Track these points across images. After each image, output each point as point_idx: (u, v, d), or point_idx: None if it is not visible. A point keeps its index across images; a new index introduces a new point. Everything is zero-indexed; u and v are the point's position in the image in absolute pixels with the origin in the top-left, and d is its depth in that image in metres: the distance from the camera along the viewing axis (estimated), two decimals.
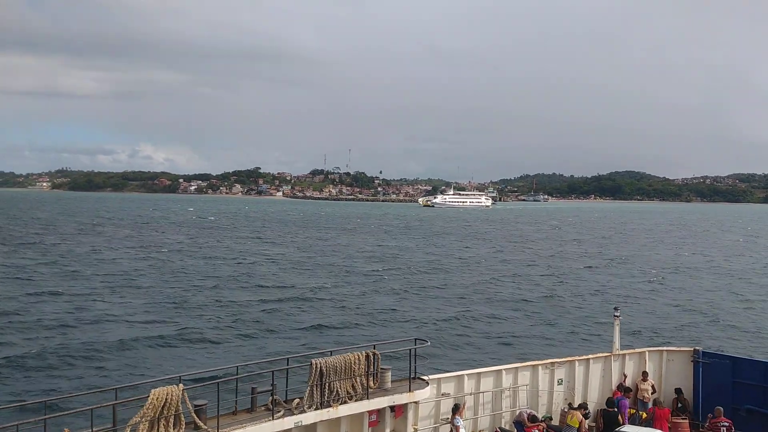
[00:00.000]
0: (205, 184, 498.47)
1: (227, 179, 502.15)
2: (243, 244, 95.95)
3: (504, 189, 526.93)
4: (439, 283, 59.32)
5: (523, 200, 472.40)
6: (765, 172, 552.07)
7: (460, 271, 68.50)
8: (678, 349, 21.84)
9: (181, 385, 12.42)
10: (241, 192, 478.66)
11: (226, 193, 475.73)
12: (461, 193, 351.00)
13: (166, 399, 12.08)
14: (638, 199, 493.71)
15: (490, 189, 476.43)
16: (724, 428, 17.29)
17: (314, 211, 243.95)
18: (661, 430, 17.93)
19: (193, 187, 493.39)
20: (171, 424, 12.14)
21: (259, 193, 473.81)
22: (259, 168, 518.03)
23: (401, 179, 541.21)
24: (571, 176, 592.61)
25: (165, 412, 12.04)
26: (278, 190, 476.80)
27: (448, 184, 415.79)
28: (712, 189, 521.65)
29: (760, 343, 37.99)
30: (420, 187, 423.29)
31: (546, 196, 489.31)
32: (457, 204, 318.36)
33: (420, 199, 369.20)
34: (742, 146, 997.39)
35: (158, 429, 11.93)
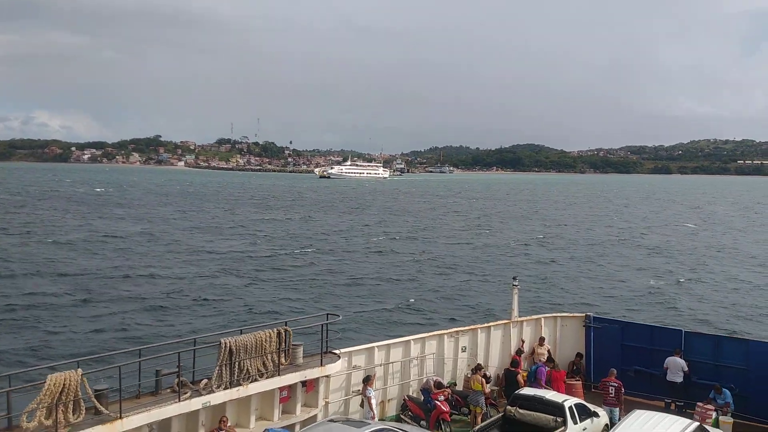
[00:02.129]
0: (100, 152, 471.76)
1: (125, 148, 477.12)
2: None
3: (413, 161, 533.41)
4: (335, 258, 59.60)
5: (430, 171, 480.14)
6: (655, 144, 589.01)
7: (346, 242, 69.18)
8: (571, 314, 23.11)
9: (79, 369, 11.95)
10: (140, 161, 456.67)
11: (123, 162, 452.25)
12: (358, 164, 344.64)
13: (63, 384, 11.62)
14: (536, 171, 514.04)
15: (398, 160, 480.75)
16: (613, 388, 18.48)
17: (200, 181, 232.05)
18: (557, 390, 19.03)
19: (86, 156, 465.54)
20: (70, 411, 11.69)
21: (159, 162, 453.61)
22: (160, 136, 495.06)
23: (314, 150, 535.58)
24: (477, 149, 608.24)
25: (63, 398, 11.58)
26: (180, 160, 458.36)
27: (360, 156, 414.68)
28: (605, 161, 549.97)
29: (647, 308, 41.00)
30: (332, 158, 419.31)
31: (451, 168, 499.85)
32: (353, 175, 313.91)
33: (316, 170, 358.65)
34: (635, 119, 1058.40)
35: (56, 416, 11.45)
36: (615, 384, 18.44)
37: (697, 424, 15.54)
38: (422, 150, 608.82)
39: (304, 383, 15.98)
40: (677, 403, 19.48)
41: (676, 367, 19.48)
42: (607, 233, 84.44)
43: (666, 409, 18.81)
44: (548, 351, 21.65)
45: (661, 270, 55.23)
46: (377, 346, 18.63)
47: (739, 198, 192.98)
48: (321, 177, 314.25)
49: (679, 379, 19.47)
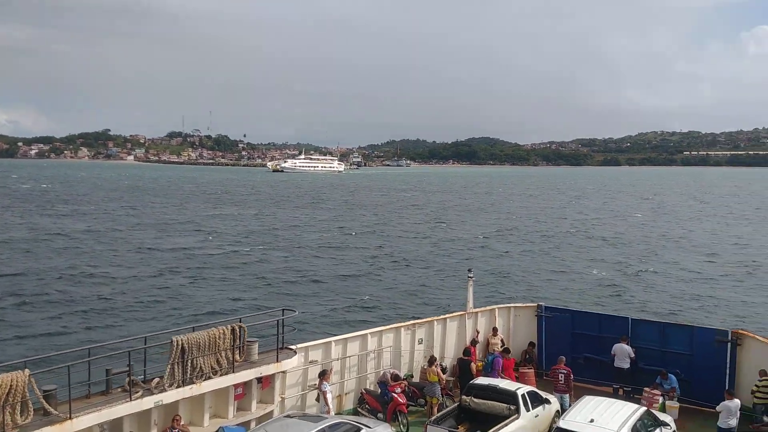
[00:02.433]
0: (48, 147, 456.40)
1: (73, 142, 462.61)
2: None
3: (370, 154, 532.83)
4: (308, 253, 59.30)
5: (387, 165, 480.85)
6: (605, 137, 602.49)
7: (306, 234, 69.03)
8: (524, 305, 23.58)
9: (26, 370, 11.69)
10: (88, 156, 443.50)
11: (71, 157, 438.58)
12: (312, 157, 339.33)
13: (10, 385, 11.37)
14: (491, 164, 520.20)
15: (355, 154, 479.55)
16: (562, 375, 18.93)
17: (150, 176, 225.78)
18: (509, 378, 19.41)
19: (33, 152, 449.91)
20: (18, 412, 11.43)
21: (108, 157, 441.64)
22: (109, 130, 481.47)
23: (269, 143, 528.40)
24: (433, 142, 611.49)
25: (10, 399, 11.33)
26: (130, 154, 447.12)
27: (317, 149, 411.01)
28: (557, 154, 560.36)
29: (596, 297, 42.11)
30: (288, 151, 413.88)
31: (408, 162, 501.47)
32: (307, 168, 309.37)
33: (269, 164, 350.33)
34: (586, 113, 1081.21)
35: (3, 417, 11.17)
36: (564, 371, 18.90)
37: (644, 408, 16.08)
38: (379, 144, 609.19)
39: (259, 380, 15.88)
40: (625, 388, 20.09)
41: (623, 353, 20.05)
42: (560, 225, 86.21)
43: (614, 395, 19.40)
44: (501, 341, 22.05)
45: (611, 260, 56.75)
46: (334, 341, 18.63)
47: (687, 189, 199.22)
48: (274, 171, 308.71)
49: (626, 365, 20.06)
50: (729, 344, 18.99)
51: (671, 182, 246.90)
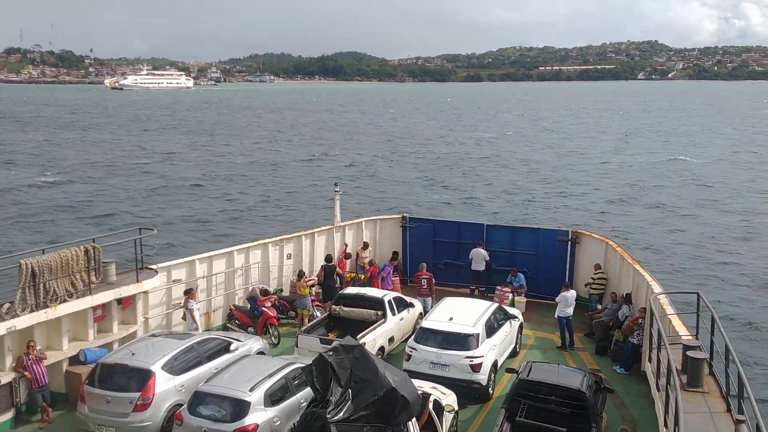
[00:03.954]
0: None
1: None
2: None
3: (231, 69, 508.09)
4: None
5: (249, 81, 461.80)
6: (468, 52, 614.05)
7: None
8: (389, 217, 24.36)
9: None
10: None
11: None
12: (156, 73, 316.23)
13: None
14: (358, 80, 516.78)
15: (213, 69, 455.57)
16: (425, 280, 20.07)
17: None
18: (377, 288, 20.27)
19: None
20: None
21: None
22: None
23: (120, 59, 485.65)
24: (299, 56, 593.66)
25: None
26: None
27: (173, 64, 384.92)
28: (423, 69, 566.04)
29: (456, 207, 44.34)
30: (141, 66, 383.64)
31: (272, 77, 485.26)
32: (151, 85, 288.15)
33: (106, 81, 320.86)
34: (452, 28, 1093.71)
35: None
36: (426, 276, 20.03)
37: (496, 305, 17.56)
38: (241, 57, 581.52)
39: (119, 301, 15.47)
40: (480, 288, 21.70)
41: (479, 257, 21.51)
42: (438, 145, 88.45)
43: (471, 295, 20.95)
44: (369, 252, 22.77)
45: (470, 172, 59.60)
46: (198, 259, 18.32)
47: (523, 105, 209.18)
48: (113, 89, 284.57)
49: (482, 267, 21.57)
50: (569, 243, 20.98)
51: (531, 97, 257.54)
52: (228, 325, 18.74)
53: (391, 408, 11.06)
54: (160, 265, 16.96)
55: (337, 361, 11.21)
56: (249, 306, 18.71)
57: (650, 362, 13.66)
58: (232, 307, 19.06)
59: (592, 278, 19.97)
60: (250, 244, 20.22)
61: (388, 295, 18.14)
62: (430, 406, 12.11)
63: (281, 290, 20.55)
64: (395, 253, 22.82)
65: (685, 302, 15.74)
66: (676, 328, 13.50)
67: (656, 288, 15.72)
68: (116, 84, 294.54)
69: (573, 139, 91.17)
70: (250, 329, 18.18)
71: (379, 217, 24.58)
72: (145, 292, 16.12)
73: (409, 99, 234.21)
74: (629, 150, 77.30)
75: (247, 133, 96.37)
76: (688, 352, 11.36)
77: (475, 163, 66.67)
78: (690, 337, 12.86)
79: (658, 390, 12.12)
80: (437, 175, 57.59)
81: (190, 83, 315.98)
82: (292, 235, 21.73)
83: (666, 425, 10.66)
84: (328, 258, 21.05)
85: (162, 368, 13.07)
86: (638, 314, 16.44)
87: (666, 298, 14.94)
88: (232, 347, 14.80)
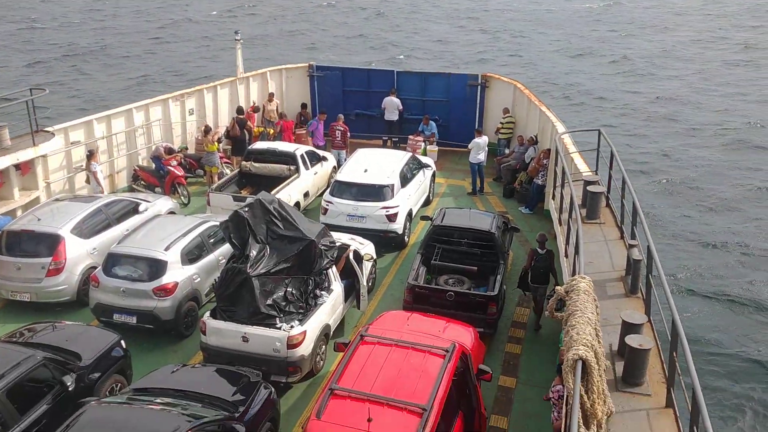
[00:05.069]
0: None
1: None
2: None
3: None
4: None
5: None
6: None
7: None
8: (295, 66, 23.25)
9: None
10: None
11: None
12: None
13: None
14: None
15: None
16: (339, 132, 19.53)
17: None
18: (288, 141, 19.86)
19: None
20: None
21: None
22: None
23: None
24: None
25: None
26: None
27: None
28: None
29: (364, 54, 43.06)
30: None
31: None
32: None
33: None
34: None
35: None
36: (341, 128, 19.58)
37: (409, 154, 17.73)
38: None
39: (17, 167, 14.74)
40: (393, 139, 21.71)
41: (392, 106, 21.22)
42: None
43: (384, 146, 21.00)
44: (277, 105, 21.98)
45: (378, 18, 57.46)
46: (96, 119, 17.35)
47: None
48: None
49: (395, 117, 21.38)
50: (479, 87, 21.02)
51: None
52: (134, 186, 18.14)
53: (311, 259, 11.35)
54: (57, 127, 16.06)
55: (254, 217, 11.20)
56: (154, 166, 18.06)
57: (554, 200, 14.45)
58: (137, 167, 18.36)
59: (501, 122, 20.33)
60: (149, 101, 19.23)
61: (300, 149, 17.83)
62: (351, 255, 12.49)
63: (186, 148, 19.87)
64: (304, 105, 22.11)
65: (588, 141, 16.51)
66: (578, 165, 14.22)
67: (560, 128, 16.29)
68: None
69: None
70: (158, 189, 17.72)
71: (284, 66, 23.46)
72: (44, 156, 15.40)
73: None
74: None
75: None
76: (588, 188, 12.09)
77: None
78: (590, 173, 13.65)
79: (560, 224, 12.97)
80: (346, 19, 55.17)
81: None
82: (192, 89, 20.63)
83: (566, 255, 11.55)
84: (239, 110, 20.24)
85: (71, 232, 12.85)
86: (542, 155, 17.09)
87: (569, 138, 15.54)
88: (141, 208, 14.49)
